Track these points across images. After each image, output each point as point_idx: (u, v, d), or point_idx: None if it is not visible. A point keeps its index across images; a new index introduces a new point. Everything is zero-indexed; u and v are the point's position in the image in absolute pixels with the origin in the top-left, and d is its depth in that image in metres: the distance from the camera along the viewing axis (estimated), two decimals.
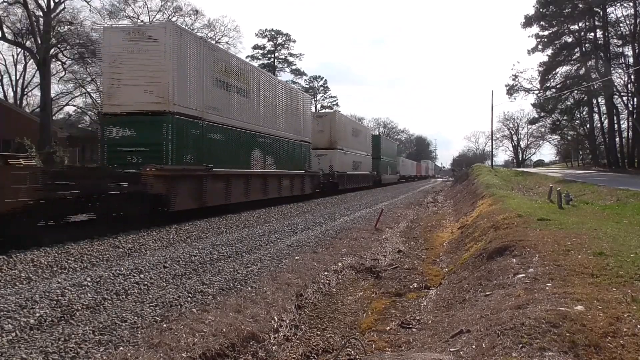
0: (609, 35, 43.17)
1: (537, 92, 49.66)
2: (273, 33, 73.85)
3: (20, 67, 43.73)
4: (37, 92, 42.08)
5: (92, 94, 43.76)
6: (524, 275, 5.49)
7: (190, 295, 5.70)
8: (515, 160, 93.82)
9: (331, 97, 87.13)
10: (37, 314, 4.63)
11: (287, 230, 11.36)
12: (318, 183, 24.21)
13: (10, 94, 45.61)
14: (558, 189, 14.03)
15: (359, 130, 34.54)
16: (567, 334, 3.53)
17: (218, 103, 13.85)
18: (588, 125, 53.49)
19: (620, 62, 43.65)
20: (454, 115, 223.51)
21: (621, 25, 42.17)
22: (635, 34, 39.80)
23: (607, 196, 15.70)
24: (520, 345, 3.50)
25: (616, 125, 45.91)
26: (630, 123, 44.19)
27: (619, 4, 40.96)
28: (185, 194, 12.07)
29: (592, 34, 45.19)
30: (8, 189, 7.57)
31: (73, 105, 48.12)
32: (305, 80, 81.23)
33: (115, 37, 12.28)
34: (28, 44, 35.58)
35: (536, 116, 55.98)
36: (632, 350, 3.33)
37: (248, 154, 15.89)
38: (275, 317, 5.44)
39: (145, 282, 6.08)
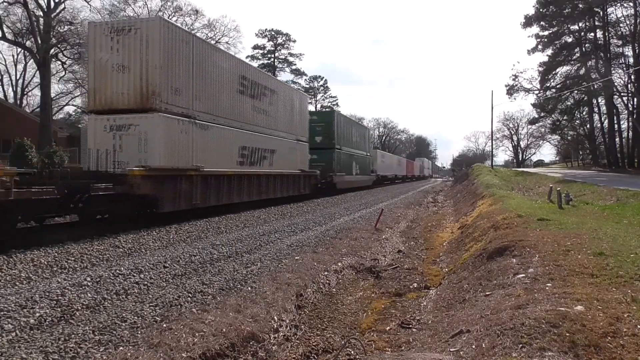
0: (609, 35, 43.17)
1: (537, 92, 49.69)
2: (273, 33, 73.88)
3: (20, 67, 44.07)
4: (37, 92, 42.34)
5: None
6: (523, 275, 5.49)
7: (190, 295, 5.70)
8: (515, 160, 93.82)
9: (331, 97, 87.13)
10: (37, 314, 4.63)
11: (287, 230, 11.36)
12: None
13: (10, 93, 46.07)
14: (558, 189, 14.03)
15: (263, 86, 17.28)
16: (567, 334, 3.53)
17: None
18: (588, 126, 53.49)
19: (620, 62, 43.69)
20: (454, 115, 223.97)
21: (621, 25, 42.21)
22: (635, 34, 39.80)
23: (607, 196, 15.69)
24: (520, 345, 3.50)
25: (616, 126, 45.92)
26: (630, 123, 44.20)
27: (619, 4, 40.99)
28: None
29: (592, 34, 45.21)
30: None
31: (73, 105, 48.09)
32: (305, 80, 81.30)
33: None
34: (28, 43, 35.76)
35: (536, 116, 55.98)
36: (632, 350, 3.33)
37: None
38: (275, 317, 5.44)
39: (145, 282, 6.08)
